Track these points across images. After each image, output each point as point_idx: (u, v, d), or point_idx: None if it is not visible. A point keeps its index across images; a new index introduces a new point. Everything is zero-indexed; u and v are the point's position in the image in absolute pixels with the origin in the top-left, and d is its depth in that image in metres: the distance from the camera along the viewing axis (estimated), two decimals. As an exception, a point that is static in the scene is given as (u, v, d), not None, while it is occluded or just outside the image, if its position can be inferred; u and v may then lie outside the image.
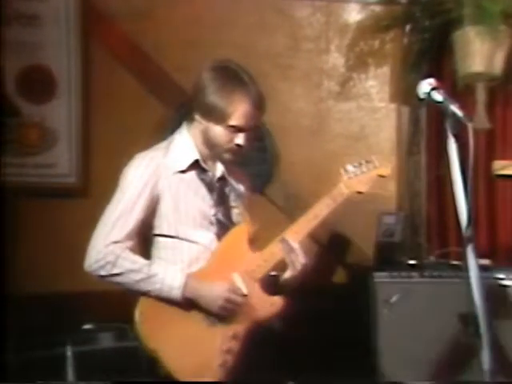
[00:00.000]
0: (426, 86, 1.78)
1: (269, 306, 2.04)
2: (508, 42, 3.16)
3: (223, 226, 2.08)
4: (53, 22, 3.21)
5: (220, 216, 2.09)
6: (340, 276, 3.56)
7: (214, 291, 1.97)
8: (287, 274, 2.08)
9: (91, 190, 3.27)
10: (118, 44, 3.35)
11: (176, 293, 1.95)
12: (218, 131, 2.03)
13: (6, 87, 3.15)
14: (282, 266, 2.09)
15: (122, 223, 1.98)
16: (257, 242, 2.10)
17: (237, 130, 2.02)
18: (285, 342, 2.70)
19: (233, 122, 2.00)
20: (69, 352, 2.68)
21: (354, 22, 3.56)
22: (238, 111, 1.99)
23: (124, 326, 2.88)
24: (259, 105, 2.03)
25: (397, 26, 3.46)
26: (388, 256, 3.23)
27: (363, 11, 3.55)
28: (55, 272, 3.09)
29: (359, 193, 2.15)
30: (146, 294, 1.97)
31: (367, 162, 2.17)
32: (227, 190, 2.15)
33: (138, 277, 1.95)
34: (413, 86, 1.83)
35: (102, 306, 3.01)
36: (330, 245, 3.46)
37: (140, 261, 1.98)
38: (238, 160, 2.14)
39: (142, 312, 1.97)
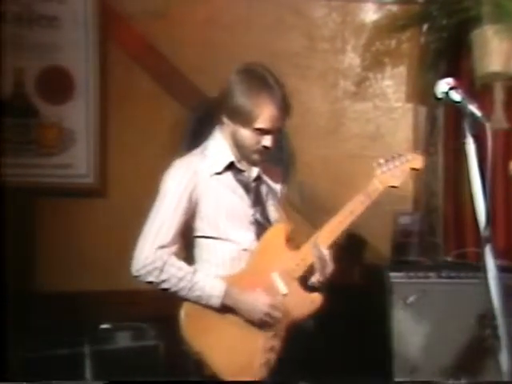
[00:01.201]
0: (444, 85, 1.77)
1: (309, 303, 2.06)
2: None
3: (261, 226, 2.10)
4: (71, 24, 3.25)
5: (258, 216, 2.11)
6: (356, 276, 3.55)
7: (255, 304, 2.00)
8: (314, 279, 2.09)
9: (108, 190, 3.30)
10: (134, 45, 3.37)
11: (215, 301, 1.99)
12: (246, 133, 2.05)
13: (25, 88, 3.19)
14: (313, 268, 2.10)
15: (166, 228, 2.02)
16: (294, 240, 2.11)
17: (263, 132, 2.04)
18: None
19: (259, 124, 2.02)
20: (87, 351, 2.70)
21: (370, 22, 3.55)
22: (264, 114, 2.01)
23: (142, 326, 2.90)
24: (285, 107, 2.04)
25: (414, 26, 3.44)
26: (405, 256, 3.22)
27: (379, 11, 3.54)
28: (73, 271, 3.12)
29: (393, 187, 2.13)
30: (187, 299, 2.01)
31: (399, 155, 2.14)
32: (263, 189, 2.17)
33: (181, 284, 1.99)
34: (430, 86, 1.82)
35: (121, 305, 3.04)
36: (347, 245, 3.45)
37: (185, 268, 2.02)
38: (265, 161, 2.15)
39: (186, 314, 2.00)
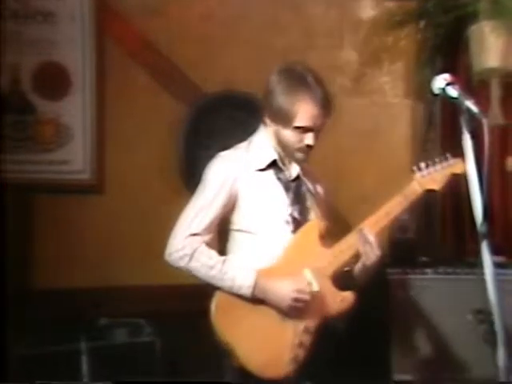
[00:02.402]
0: (440, 81, 1.77)
1: (340, 301, 2.07)
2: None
3: (299, 224, 2.11)
4: (68, 20, 3.24)
5: (296, 214, 2.12)
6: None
7: (282, 291, 2.00)
8: (360, 265, 2.09)
9: (106, 187, 3.29)
10: (131, 41, 3.36)
11: (246, 292, 2.00)
12: (287, 133, 2.08)
13: (21, 84, 3.18)
14: (355, 259, 2.11)
15: (201, 217, 2.05)
16: (327, 238, 2.12)
17: (304, 130, 2.06)
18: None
19: (298, 123, 2.04)
20: (84, 347, 2.70)
21: (367, 18, 3.55)
22: (302, 112, 2.03)
23: (139, 322, 2.90)
24: (324, 105, 2.06)
25: (411, 22, 3.44)
26: (402, 253, 3.23)
27: (377, 7, 3.54)
28: (70, 268, 3.11)
29: (431, 191, 2.14)
30: (219, 288, 2.02)
31: (441, 159, 2.15)
32: (302, 189, 2.18)
33: (211, 272, 2.01)
34: (427, 82, 1.82)
35: (117, 301, 3.04)
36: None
37: (215, 257, 2.04)
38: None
39: (217, 305, 2.01)
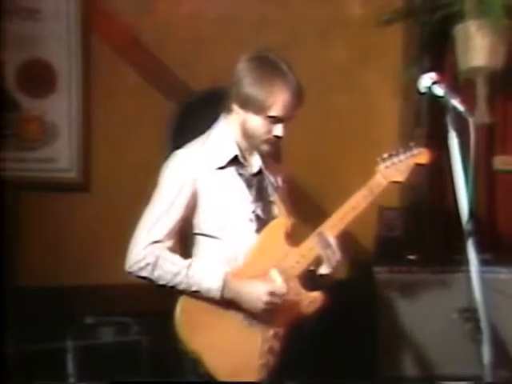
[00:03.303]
0: (427, 80, 1.77)
1: (308, 302, 2.00)
2: (509, 36, 3.15)
3: (263, 222, 2.03)
4: (53, 16, 3.21)
5: (259, 211, 2.04)
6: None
7: (254, 293, 1.92)
8: (322, 270, 2.02)
9: (92, 185, 3.28)
10: (118, 38, 3.34)
11: (215, 294, 1.92)
12: (257, 122, 1.99)
13: (6, 81, 3.15)
14: (319, 261, 2.04)
15: (162, 223, 1.95)
16: (294, 236, 2.05)
17: (276, 120, 1.99)
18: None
19: (273, 112, 1.97)
20: (70, 346, 2.68)
21: (355, 17, 3.55)
22: (279, 102, 1.96)
23: (125, 321, 2.89)
24: (298, 95, 2.00)
25: (398, 20, 3.44)
26: (389, 251, 3.24)
27: (365, 6, 3.54)
28: (56, 266, 3.09)
29: (396, 182, 2.08)
30: (186, 293, 1.94)
31: (404, 149, 2.09)
32: (265, 184, 2.10)
33: (177, 279, 1.92)
34: (414, 80, 1.82)
35: (104, 300, 3.02)
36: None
37: (179, 262, 1.94)
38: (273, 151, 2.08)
39: (182, 309, 1.94)
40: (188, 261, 1.96)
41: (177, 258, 1.95)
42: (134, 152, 3.27)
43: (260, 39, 3.40)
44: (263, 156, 2.09)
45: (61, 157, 3.24)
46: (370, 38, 3.49)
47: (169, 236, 1.96)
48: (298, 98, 2.00)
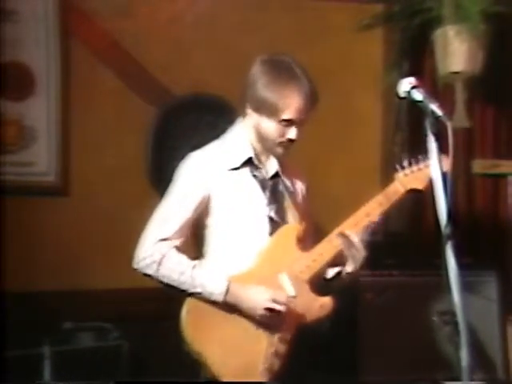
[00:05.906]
0: (406, 84, 1.78)
1: (318, 307, 2.00)
2: (487, 42, 3.19)
3: (276, 225, 2.03)
4: (31, 18, 3.17)
5: (273, 214, 2.04)
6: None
7: (255, 299, 1.91)
8: (348, 269, 2.03)
9: (71, 189, 3.24)
10: (98, 41, 3.32)
11: (217, 298, 1.92)
12: (270, 125, 2.00)
13: (-17, 84, 3.12)
14: (330, 264, 2.05)
15: (171, 222, 1.97)
16: (306, 241, 2.06)
17: (289, 124, 2.00)
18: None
19: (285, 116, 1.98)
20: (47, 351, 2.65)
21: (334, 21, 3.56)
22: (291, 105, 1.97)
23: (104, 326, 2.86)
24: (312, 99, 2.01)
25: (377, 25, 3.47)
26: (370, 255, 3.24)
27: (344, 10, 3.56)
28: (34, 270, 3.06)
29: (415, 190, 2.07)
30: (189, 295, 1.94)
31: (424, 157, 2.05)
32: (280, 187, 2.11)
33: (181, 278, 1.92)
34: (394, 85, 1.83)
35: (83, 304, 2.99)
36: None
37: (185, 262, 1.95)
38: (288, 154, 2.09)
39: (188, 311, 1.93)
40: (194, 261, 1.97)
41: (183, 257, 1.97)
42: (113, 155, 3.25)
43: (241, 43, 3.40)
44: (280, 160, 2.11)
45: (39, 160, 3.20)
46: (351, 42, 3.50)
47: (177, 234, 1.97)
48: (312, 101, 2.02)
